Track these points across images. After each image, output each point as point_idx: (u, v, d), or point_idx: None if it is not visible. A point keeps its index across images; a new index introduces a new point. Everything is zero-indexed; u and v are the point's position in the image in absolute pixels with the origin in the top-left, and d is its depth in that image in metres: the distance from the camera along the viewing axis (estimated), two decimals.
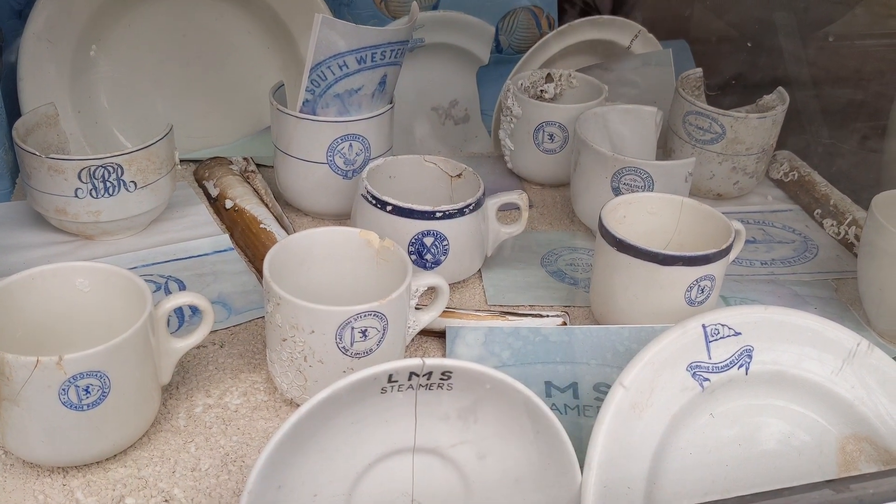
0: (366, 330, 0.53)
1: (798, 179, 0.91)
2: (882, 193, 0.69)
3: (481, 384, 0.46)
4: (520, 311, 0.66)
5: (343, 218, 0.80)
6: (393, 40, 0.72)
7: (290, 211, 0.82)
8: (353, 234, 0.60)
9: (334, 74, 0.72)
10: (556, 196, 0.90)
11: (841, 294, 0.75)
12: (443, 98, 1.00)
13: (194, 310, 0.66)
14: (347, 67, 0.71)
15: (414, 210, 0.67)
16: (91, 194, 0.69)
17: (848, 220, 0.83)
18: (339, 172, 0.77)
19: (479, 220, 0.70)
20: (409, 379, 0.46)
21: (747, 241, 0.82)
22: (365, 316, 0.53)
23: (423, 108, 0.99)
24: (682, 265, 0.61)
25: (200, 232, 0.77)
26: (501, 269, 0.75)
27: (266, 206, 0.78)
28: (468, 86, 1.00)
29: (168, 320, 0.64)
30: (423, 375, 0.46)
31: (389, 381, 0.45)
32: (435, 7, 1.00)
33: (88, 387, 0.48)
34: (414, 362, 0.45)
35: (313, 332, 0.52)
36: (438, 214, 0.67)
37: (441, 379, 0.46)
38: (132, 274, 0.53)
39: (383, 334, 0.54)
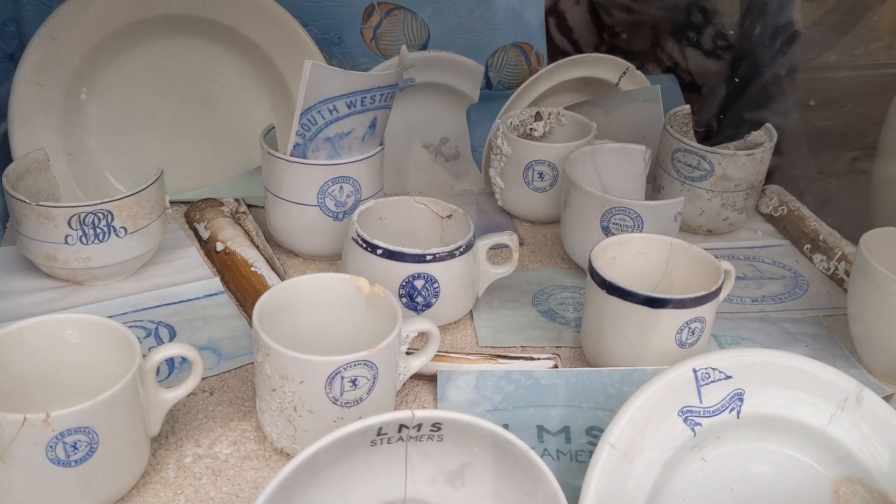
0: (356, 379, 0.53)
1: (787, 214, 0.92)
2: (870, 232, 0.69)
3: (473, 436, 0.46)
4: (511, 354, 0.66)
5: (335, 259, 0.80)
6: (382, 84, 0.72)
7: (281, 252, 0.82)
8: (343, 280, 0.60)
9: (324, 119, 0.72)
10: (547, 233, 0.90)
11: (832, 331, 0.75)
12: (433, 135, 1.00)
13: (184, 358, 0.66)
14: (337, 112, 0.72)
15: (404, 253, 0.67)
16: (81, 241, 0.69)
17: (837, 256, 0.84)
18: (330, 214, 0.77)
19: (469, 262, 0.71)
20: (399, 431, 0.46)
21: (738, 278, 0.82)
22: (354, 365, 0.52)
23: (414, 146, 1.00)
24: (672, 308, 0.61)
25: (191, 275, 0.76)
26: (493, 309, 0.75)
27: (257, 248, 0.78)
28: (458, 123, 1.01)
29: (158, 368, 0.64)
30: (413, 427, 0.46)
31: (379, 433, 0.45)
32: (424, 47, 1.01)
33: (76, 443, 0.48)
34: (404, 415, 0.45)
35: (303, 382, 0.52)
36: (429, 257, 0.67)
37: (431, 430, 0.46)
38: (121, 325, 0.53)
39: (373, 383, 0.54)
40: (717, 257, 0.84)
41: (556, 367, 0.65)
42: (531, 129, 0.92)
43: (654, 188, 0.92)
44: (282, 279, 0.75)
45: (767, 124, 0.89)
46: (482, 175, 0.99)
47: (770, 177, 0.93)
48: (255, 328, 0.54)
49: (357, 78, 0.71)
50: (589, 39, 1.09)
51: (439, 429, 0.46)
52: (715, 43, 1.04)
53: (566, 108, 0.95)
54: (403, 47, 0.76)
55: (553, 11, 1.09)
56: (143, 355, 0.54)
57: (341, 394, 0.53)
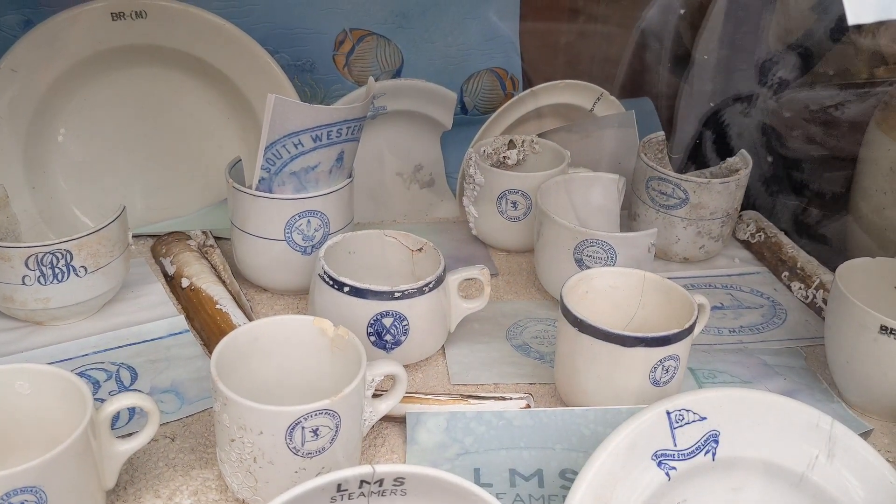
0: (317, 429, 0.51)
1: (765, 241, 0.91)
2: (846, 263, 0.69)
3: (439, 490, 0.44)
4: (482, 394, 0.64)
5: (303, 293, 0.79)
6: (349, 118, 0.71)
7: (248, 287, 0.81)
8: (307, 322, 0.58)
9: (290, 153, 0.71)
10: (522, 263, 0.89)
11: (811, 362, 0.74)
12: (407, 163, 0.99)
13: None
14: (303, 146, 0.71)
15: (371, 291, 0.66)
16: (39, 281, 0.67)
17: (815, 284, 0.83)
18: (298, 249, 0.76)
19: (440, 298, 0.69)
20: (360, 487, 0.44)
21: (715, 308, 0.82)
22: (316, 415, 0.51)
23: (387, 174, 0.98)
24: (645, 346, 0.60)
25: (156, 313, 0.75)
26: (465, 344, 0.74)
27: (224, 283, 0.77)
28: (432, 150, 1.00)
29: (119, 413, 0.62)
30: (375, 483, 0.44)
31: (339, 490, 0.44)
32: (398, 73, 1.00)
33: (23, 503, 0.45)
34: (364, 470, 0.43)
35: (262, 433, 0.51)
36: (397, 294, 0.66)
37: (394, 485, 0.45)
38: (73, 376, 0.51)
39: (336, 432, 0.52)
40: (693, 287, 0.85)
41: (528, 406, 0.63)
42: (504, 157, 0.92)
43: (630, 216, 0.91)
44: (248, 316, 0.73)
45: (743, 150, 0.89)
46: (457, 202, 0.98)
47: (748, 202, 0.92)
48: (213, 377, 0.52)
49: (322, 112, 0.70)
50: None
51: (402, 483, 0.44)
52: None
53: (540, 135, 0.94)
54: (371, 79, 0.75)
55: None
56: (98, 406, 0.52)
57: (302, 444, 0.51)
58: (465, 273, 0.72)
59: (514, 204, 0.86)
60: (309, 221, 0.75)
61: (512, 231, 0.88)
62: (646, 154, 0.89)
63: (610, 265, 0.74)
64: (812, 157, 0.94)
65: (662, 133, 0.92)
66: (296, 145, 0.71)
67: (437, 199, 1.01)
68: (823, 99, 0.91)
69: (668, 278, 0.67)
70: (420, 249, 0.74)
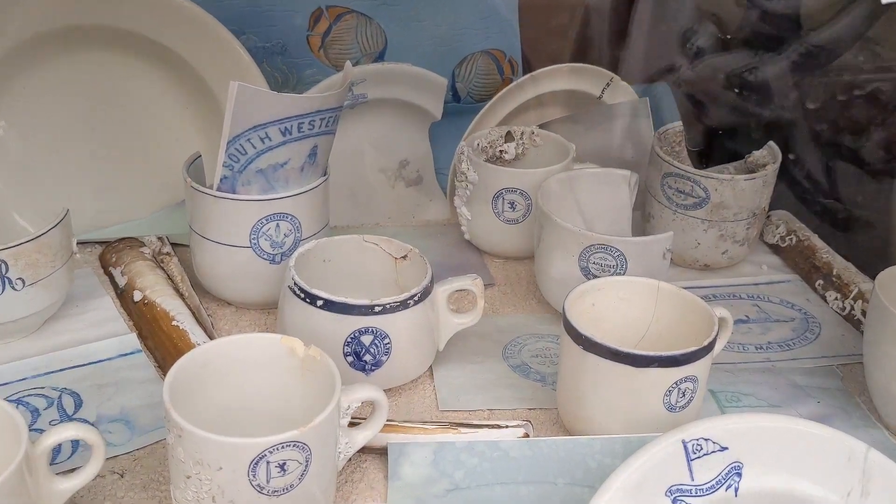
0: (284, 463, 0.51)
1: (796, 244, 0.91)
2: (888, 270, 0.69)
3: None
4: (474, 422, 0.64)
5: (272, 307, 0.79)
6: (323, 108, 0.71)
7: (210, 301, 0.81)
8: (274, 341, 0.58)
9: (255, 148, 0.71)
10: (521, 271, 0.89)
11: (848, 382, 0.74)
12: (391, 158, 0.99)
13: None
14: (270, 140, 0.70)
15: (348, 304, 0.65)
16: None
17: (853, 294, 0.83)
18: (265, 256, 0.75)
19: (426, 312, 0.69)
20: None
21: (740, 321, 0.81)
22: (283, 448, 0.50)
23: (369, 171, 0.98)
24: (659, 367, 0.59)
25: (104, 331, 0.75)
26: (456, 365, 0.74)
27: (181, 296, 0.77)
28: (420, 143, 1.00)
29: (60, 447, 0.62)
30: None
31: None
32: (381, 56, 1.00)
33: None
34: None
35: (221, 468, 0.50)
36: (377, 308, 0.66)
37: None
38: (6, 404, 0.51)
39: (306, 466, 0.52)
40: (714, 298, 0.85)
41: (526, 436, 0.63)
42: (501, 151, 0.91)
43: (644, 218, 0.91)
44: (209, 334, 0.73)
45: (771, 142, 0.89)
46: (448, 202, 0.98)
47: (776, 201, 0.92)
48: (165, 404, 0.52)
49: (292, 101, 0.69)
50: None
51: None
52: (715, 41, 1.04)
53: (542, 126, 0.94)
54: (347, 63, 0.75)
55: None
56: (35, 438, 0.52)
57: (268, 481, 0.51)
58: (455, 283, 0.72)
59: (512, 204, 0.86)
60: (278, 226, 0.74)
61: (510, 235, 0.88)
62: (661, 147, 0.89)
63: (620, 274, 0.74)
64: (737, 124, 0.99)
65: (680, 123, 0.93)
66: (262, 139, 0.70)
67: (425, 199, 1.01)
68: (737, 64, 0.96)
69: (686, 288, 0.67)
70: (404, 257, 0.73)
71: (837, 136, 0.96)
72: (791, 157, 0.97)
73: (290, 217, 0.75)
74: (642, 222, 0.91)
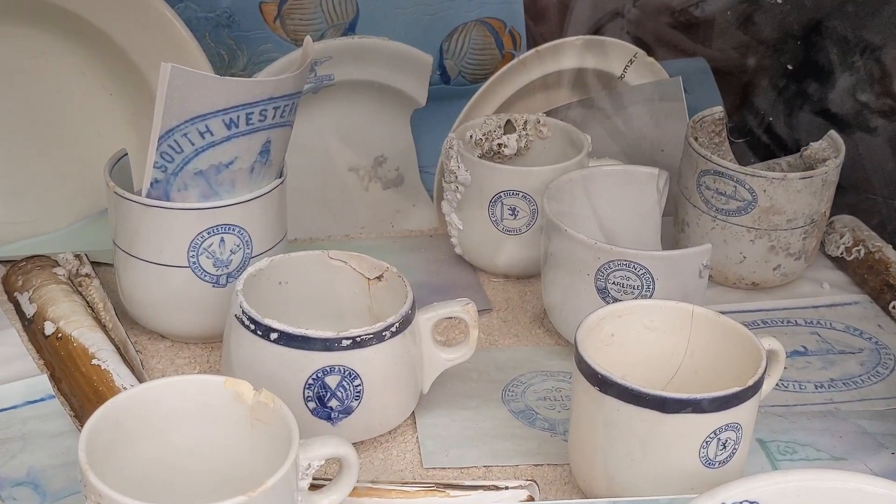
0: None
1: (865, 257, 0.92)
2: None
3: None
4: (467, 483, 0.64)
5: (215, 341, 0.79)
6: (277, 94, 0.71)
7: (140, 333, 0.81)
8: (216, 385, 0.58)
9: (193, 145, 0.71)
10: (526, 293, 0.90)
11: None
12: (364, 154, 0.99)
13: None
14: (212, 134, 0.71)
15: (310, 338, 0.66)
16: None
17: None
18: (208, 278, 0.76)
19: (406, 346, 0.69)
20: None
21: (794, 354, 0.82)
22: None
23: (336, 170, 0.99)
24: (694, 412, 0.60)
25: (8, 372, 0.75)
26: (444, 411, 0.74)
27: (104, 329, 0.77)
28: (400, 135, 1.00)
29: None
30: None
31: None
32: (351, 28, 1.00)
33: None
34: None
35: None
36: (346, 342, 0.66)
37: None
38: None
39: None
40: (764, 325, 0.85)
41: (531, 499, 0.63)
42: (499, 144, 0.92)
43: (676, 226, 0.92)
44: (138, 375, 0.73)
45: (832, 132, 0.89)
46: (435, 208, 0.98)
47: (839, 205, 0.92)
48: (82, 464, 0.52)
49: (240, 86, 0.70)
50: None
51: None
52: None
53: (549, 114, 0.95)
54: (308, 38, 0.75)
55: None
56: None
57: None
58: (443, 310, 0.72)
59: (513, 211, 0.87)
60: (222, 240, 0.75)
61: (511, 248, 0.88)
62: (698, 138, 0.90)
63: (646, 297, 0.74)
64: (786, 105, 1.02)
65: (721, 108, 0.93)
66: (202, 133, 0.71)
67: (407, 204, 1.01)
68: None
69: (728, 313, 0.67)
70: (380, 277, 0.74)
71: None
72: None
73: (237, 229, 0.75)
74: (674, 232, 0.92)
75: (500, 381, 0.78)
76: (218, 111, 0.70)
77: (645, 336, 0.68)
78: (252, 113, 0.71)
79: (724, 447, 0.62)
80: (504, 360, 0.80)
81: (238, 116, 0.71)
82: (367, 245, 0.95)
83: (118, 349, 0.75)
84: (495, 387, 0.77)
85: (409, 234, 0.99)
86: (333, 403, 0.67)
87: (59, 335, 0.75)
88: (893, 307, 0.87)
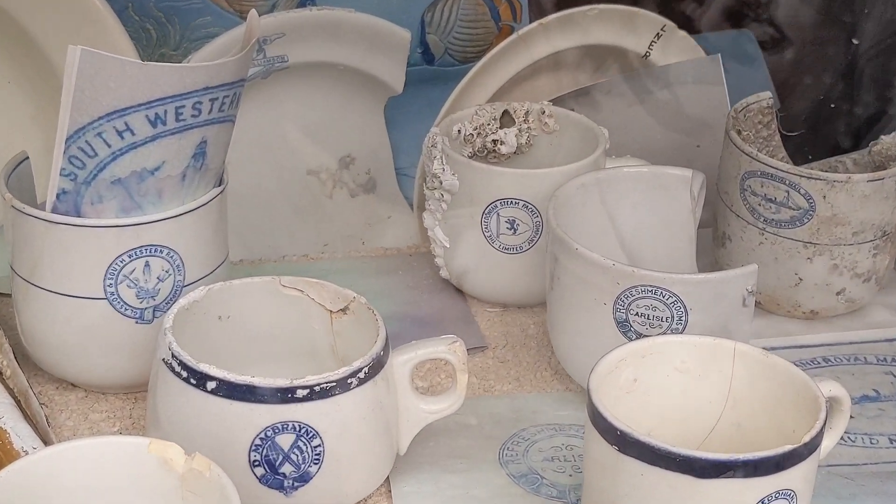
0: None
1: None
2: None
3: None
4: None
5: (139, 391, 0.79)
6: (214, 83, 0.71)
7: (44, 382, 0.81)
8: (140, 447, 0.58)
9: (110, 147, 0.71)
10: (528, 326, 0.90)
11: None
12: (327, 154, 1.00)
13: None
14: (133, 133, 0.71)
15: (256, 388, 0.65)
16: None
17: None
18: (129, 313, 0.76)
19: (378, 396, 0.69)
20: None
21: (865, 399, 0.82)
22: None
23: (291, 175, 0.99)
24: (737, 477, 0.59)
25: None
26: (427, 476, 0.74)
27: (0, 376, 0.76)
28: (371, 130, 1.00)
29: None
30: None
31: None
32: (308, 0, 1.00)
33: None
34: None
35: None
36: (302, 393, 0.66)
37: None
38: None
39: None
40: (824, 365, 0.85)
41: None
42: (495, 141, 0.92)
43: (715, 241, 0.92)
44: (43, 435, 0.73)
45: None
46: (416, 220, 0.98)
47: None
48: None
49: (167, 74, 0.70)
50: None
51: None
52: None
53: (556, 102, 0.95)
54: (252, 12, 0.75)
55: None
56: None
57: None
58: (424, 350, 0.72)
59: (512, 224, 0.87)
60: (147, 265, 0.75)
61: (509, 271, 0.89)
62: (741, 131, 0.90)
63: (677, 331, 0.74)
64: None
65: (769, 94, 0.93)
66: (121, 132, 0.71)
67: (381, 215, 1.01)
68: None
69: (779, 351, 0.68)
70: (345, 309, 0.73)
71: None
72: None
73: (165, 251, 0.75)
74: (713, 248, 0.92)
75: (496, 438, 0.77)
76: (140, 105, 0.70)
77: (675, 381, 0.68)
78: (183, 107, 0.71)
79: None
80: (502, 410, 0.80)
81: (165, 111, 0.71)
82: (331, 268, 0.94)
83: (17, 402, 0.74)
84: (491, 445, 0.77)
85: (384, 253, 0.98)
86: (287, 469, 0.67)
87: None
88: None
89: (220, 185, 0.78)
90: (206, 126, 0.73)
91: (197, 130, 0.73)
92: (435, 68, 1.06)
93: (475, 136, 0.92)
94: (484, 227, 0.87)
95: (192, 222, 0.76)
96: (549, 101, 0.94)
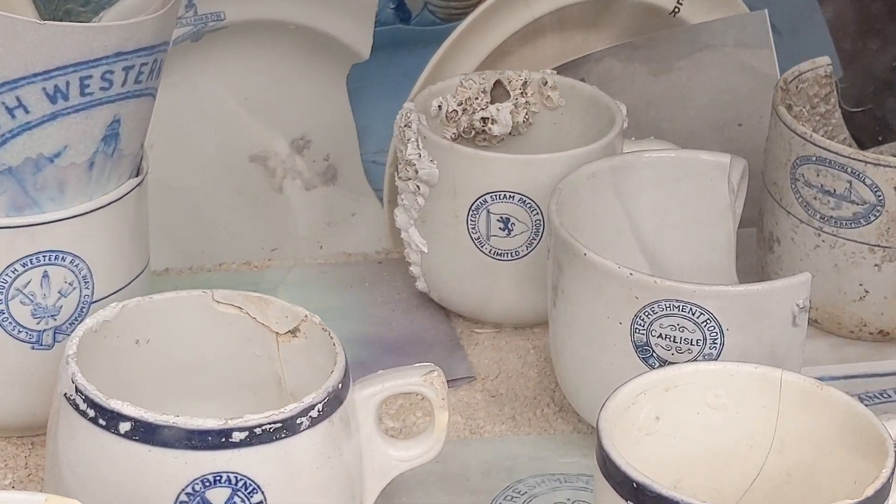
0: None
1: None
2: None
3: None
4: None
5: (37, 433, 0.79)
6: (129, 48, 0.71)
7: None
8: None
9: None
10: (527, 351, 0.90)
11: None
12: (275, 135, 1.00)
13: None
14: (27, 111, 0.71)
15: (182, 430, 0.65)
16: None
17: None
18: (23, 335, 0.76)
19: (335, 440, 0.69)
20: None
21: None
22: None
23: (230, 162, 0.99)
24: None
25: None
26: None
27: None
28: (331, 106, 1.01)
29: None
30: None
31: None
32: None
33: None
34: None
35: None
36: (239, 436, 0.65)
37: None
38: None
39: None
40: (892, 398, 0.85)
41: None
42: (484, 119, 0.92)
43: (760, 243, 0.92)
44: None
45: None
46: (386, 218, 0.98)
47: None
48: None
49: (69, 35, 0.69)
50: None
51: None
52: None
53: (561, 71, 0.95)
54: None
55: None
56: None
57: None
58: (395, 382, 0.72)
59: (506, 223, 0.87)
60: (46, 275, 0.75)
61: (502, 282, 0.89)
62: (792, 106, 0.90)
63: (709, 356, 0.74)
64: None
65: (827, 60, 0.93)
66: (11, 109, 0.71)
67: (343, 211, 1.01)
68: None
69: (837, 381, 0.67)
70: (294, 331, 0.73)
71: None
72: None
73: (69, 258, 0.75)
74: (757, 253, 0.92)
75: (486, 491, 0.78)
76: (36, 75, 0.70)
77: (708, 419, 0.68)
78: (90, 77, 0.71)
79: None
80: (493, 457, 0.80)
81: (68, 83, 0.71)
82: (279, 279, 0.95)
83: None
84: (479, 501, 0.77)
85: (346, 259, 0.99)
86: None
87: None
88: None
89: (137, 176, 0.78)
90: (120, 101, 0.73)
91: (107, 107, 0.73)
92: (411, 28, 1.06)
93: (460, 113, 0.92)
94: (471, 227, 0.88)
95: (102, 223, 0.76)
96: (553, 69, 0.94)
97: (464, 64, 0.97)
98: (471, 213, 0.87)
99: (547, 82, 0.93)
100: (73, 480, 0.67)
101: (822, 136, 0.87)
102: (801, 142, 0.86)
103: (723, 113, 0.98)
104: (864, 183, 0.85)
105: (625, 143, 0.89)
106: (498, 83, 0.93)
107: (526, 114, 0.93)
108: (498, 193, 0.86)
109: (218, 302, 0.74)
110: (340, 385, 0.69)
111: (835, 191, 0.86)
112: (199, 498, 0.66)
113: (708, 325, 0.74)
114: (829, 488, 0.63)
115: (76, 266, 0.75)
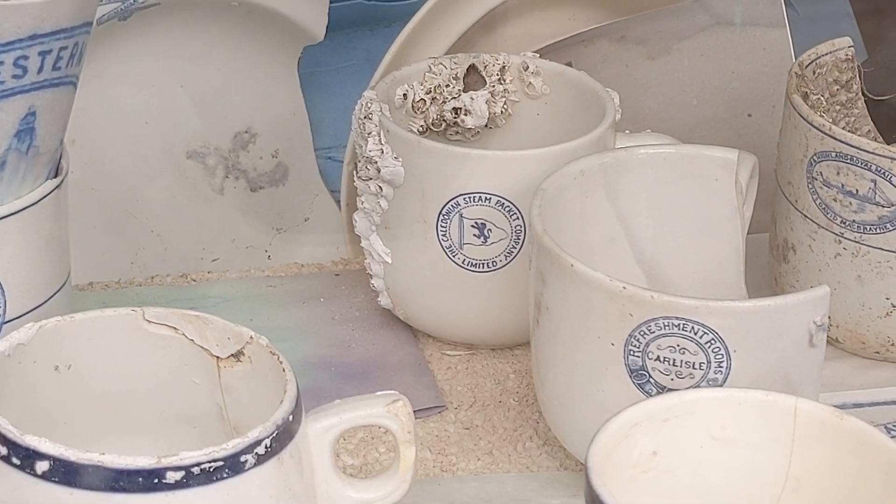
0: None
1: None
2: None
3: None
4: None
5: None
6: (45, 29, 0.72)
7: None
8: None
9: None
10: (506, 375, 0.91)
11: None
12: (215, 128, 1.00)
13: None
14: None
15: (108, 469, 0.65)
16: None
17: None
18: None
19: (285, 480, 0.69)
20: None
21: None
22: None
23: (164, 159, 0.99)
24: None
25: None
26: None
27: None
28: (279, 94, 1.01)
29: None
30: None
31: None
32: None
33: None
34: None
35: None
36: (174, 477, 0.65)
37: None
38: None
39: None
40: None
41: None
42: (456, 109, 0.93)
43: (774, 251, 0.92)
44: None
45: None
46: (343, 223, 0.98)
47: None
48: None
49: None
50: None
51: None
52: None
53: (544, 54, 0.95)
54: None
55: None
56: None
57: None
58: (353, 413, 0.72)
59: (481, 229, 0.88)
60: None
61: (477, 298, 0.89)
62: (809, 94, 0.90)
63: (714, 382, 0.74)
64: None
65: (849, 41, 0.94)
66: None
67: (294, 216, 1.01)
68: None
69: (859, 409, 0.68)
70: (237, 355, 0.74)
71: None
72: None
73: None
74: (770, 262, 0.93)
75: None
76: None
77: (713, 454, 0.68)
78: (0, 63, 0.71)
79: None
80: (468, 499, 0.81)
81: None
82: (221, 294, 0.95)
83: None
84: None
85: (298, 271, 0.99)
86: None
87: None
88: None
89: (56, 177, 0.78)
90: (35, 91, 0.74)
91: (21, 97, 0.73)
92: (372, 3, 1.06)
93: (428, 102, 0.92)
94: (441, 233, 0.88)
95: (15, 230, 0.76)
96: (535, 51, 0.95)
97: (433, 46, 0.97)
98: (441, 217, 0.88)
99: (528, 67, 0.93)
100: None
101: (843, 128, 0.87)
102: (819, 135, 0.87)
103: (730, 102, 0.98)
104: (890, 182, 0.85)
105: (617, 137, 0.89)
106: (472, 68, 0.93)
107: (504, 103, 0.93)
108: (472, 195, 0.87)
109: (150, 322, 0.74)
110: (291, 417, 0.69)
111: (857, 191, 0.86)
112: None
113: (712, 347, 0.74)
114: None
115: None
